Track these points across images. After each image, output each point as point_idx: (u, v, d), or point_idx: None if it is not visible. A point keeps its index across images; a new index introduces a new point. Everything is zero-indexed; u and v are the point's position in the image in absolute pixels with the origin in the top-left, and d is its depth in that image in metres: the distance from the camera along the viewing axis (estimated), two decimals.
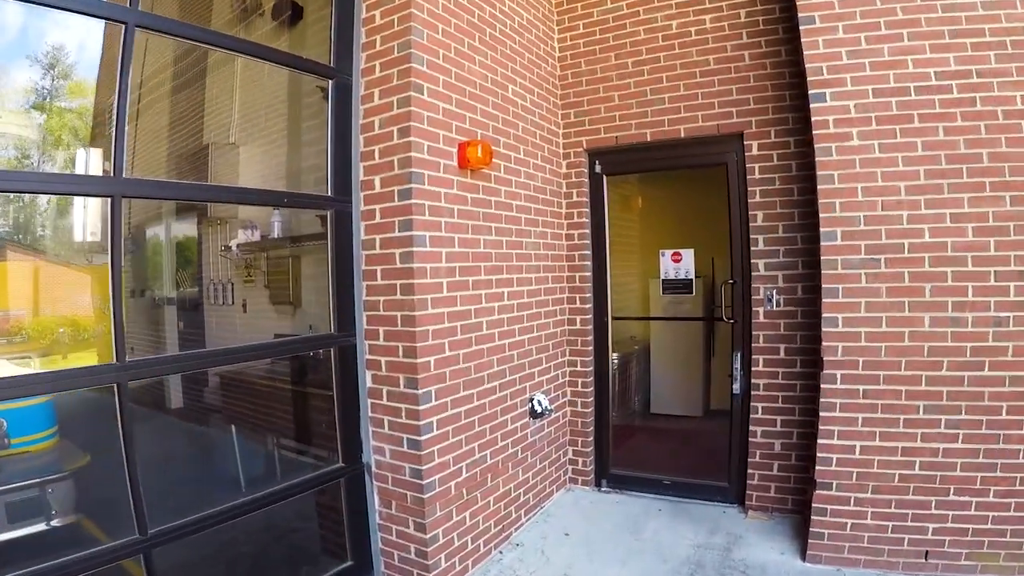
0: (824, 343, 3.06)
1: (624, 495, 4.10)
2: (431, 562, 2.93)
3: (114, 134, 2.25)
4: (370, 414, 3.09)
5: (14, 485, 2.77)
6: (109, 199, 2.25)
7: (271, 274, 4.27)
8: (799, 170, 3.52)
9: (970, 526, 2.87)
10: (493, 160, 3.32)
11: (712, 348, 4.95)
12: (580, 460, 4.22)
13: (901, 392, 2.95)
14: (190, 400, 3.86)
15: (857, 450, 3.03)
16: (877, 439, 3.00)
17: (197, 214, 4.26)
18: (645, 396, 5.54)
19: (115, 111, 2.26)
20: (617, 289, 4.67)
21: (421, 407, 2.89)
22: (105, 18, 2.28)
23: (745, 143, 3.66)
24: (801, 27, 3.08)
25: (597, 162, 4.17)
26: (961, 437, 2.87)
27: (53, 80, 3.50)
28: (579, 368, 4.19)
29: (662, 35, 3.87)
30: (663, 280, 4.13)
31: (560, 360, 4.12)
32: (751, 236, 3.66)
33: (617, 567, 3.17)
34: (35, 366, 3.01)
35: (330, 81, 3.09)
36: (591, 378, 4.20)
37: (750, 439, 3.68)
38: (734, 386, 3.77)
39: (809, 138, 3.19)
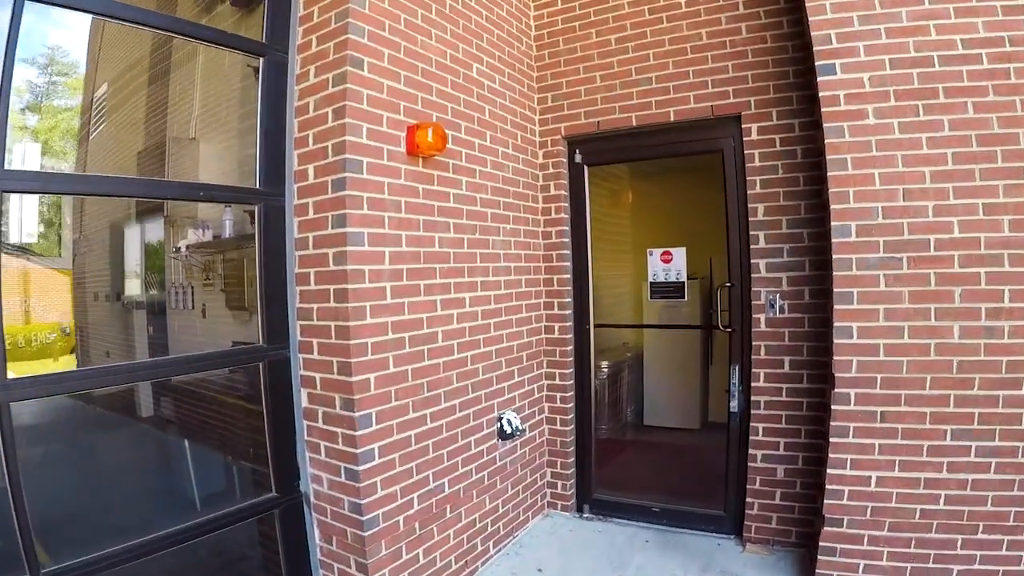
0: (836, 356, 2.62)
1: (608, 523, 3.66)
2: None
3: None
4: (306, 438, 2.69)
5: None
6: None
7: (227, 277, 3.92)
8: (805, 156, 3.07)
9: (1000, 568, 2.49)
10: (450, 146, 2.92)
11: (710, 355, 4.54)
12: (559, 483, 3.78)
13: (925, 414, 2.54)
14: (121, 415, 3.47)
15: (872, 481, 2.62)
16: (896, 469, 2.59)
17: (163, 215, 3.95)
18: (638, 407, 5.16)
19: None
20: (604, 293, 4.28)
21: (358, 432, 2.48)
22: None
23: (743, 126, 3.21)
24: None
25: (577, 151, 3.74)
26: (994, 467, 2.48)
27: None
28: (557, 382, 3.76)
29: (648, 7, 3.43)
30: (651, 283, 3.68)
31: (536, 373, 3.69)
32: (751, 232, 3.21)
33: None
34: None
35: (261, 59, 2.69)
36: (571, 392, 3.76)
37: (749, 463, 3.24)
38: (731, 403, 3.32)
39: (817, 119, 2.77)
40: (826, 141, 2.62)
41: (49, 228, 3.82)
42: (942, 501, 2.53)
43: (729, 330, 3.36)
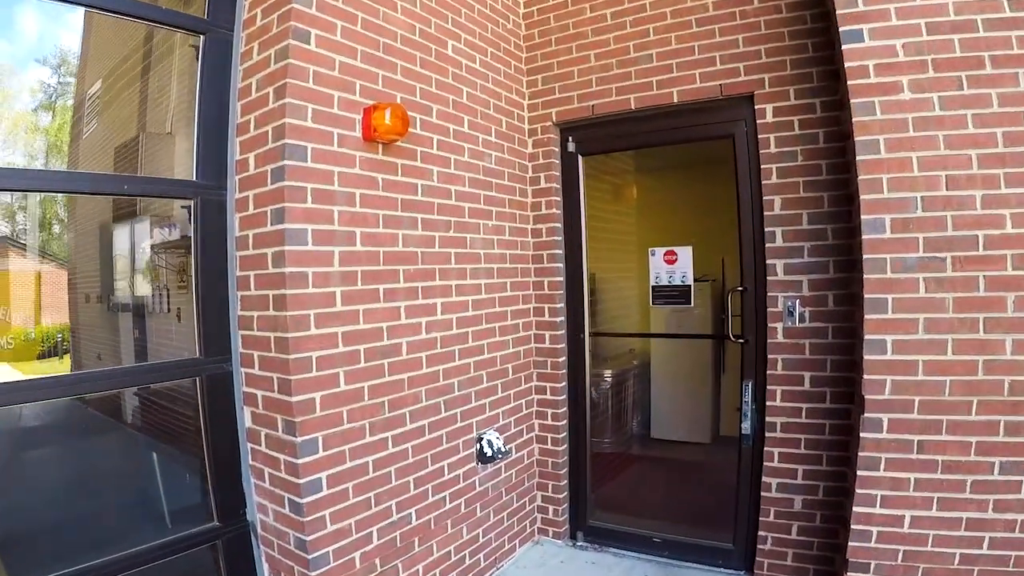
0: (866, 375, 2.21)
1: (603, 553, 3.28)
2: None
3: None
4: (251, 462, 2.37)
5: None
6: None
7: None
8: (829, 140, 2.66)
9: None
10: (418, 132, 2.59)
11: (723, 364, 4.13)
12: (551, 508, 3.41)
13: (970, 445, 2.15)
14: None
15: (906, 522, 2.23)
16: (935, 507, 2.20)
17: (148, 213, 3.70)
18: (645, 418, 4.77)
19: None
20: (606, 297, 3.91)
21: (301, 460, 2.15)
22: None
23: (757, 108, 2.81)
24: None
25: (570, 139, 3.36)
26: None
27: None
28: (549, 396, 3.38)
29: None
30: (653, 287, 3.28)
31: (524, 387, 3.32)
32: (766, 229, 2.81)
33: None
34: None
35: (202, 37, 2.38)
36: (564, 409, 3.39)
37: (763, 493, 2.83)
38: (743, 425, 2.92)
39: (842, 97, 2.38)
40: (854, 120, 2.21)
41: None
42: (986, 544, 2.15)
43: (741, 341, 2.96)
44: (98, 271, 3.31)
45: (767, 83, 2.78)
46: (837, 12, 2.26)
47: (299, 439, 2.14)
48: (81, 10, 2.34)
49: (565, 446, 3.40)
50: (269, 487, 2.30)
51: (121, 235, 2.96)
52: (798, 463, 2.76)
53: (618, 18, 3.12)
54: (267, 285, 2.18)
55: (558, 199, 3.37)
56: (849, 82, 2.24)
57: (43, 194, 2.59)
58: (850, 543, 2.29)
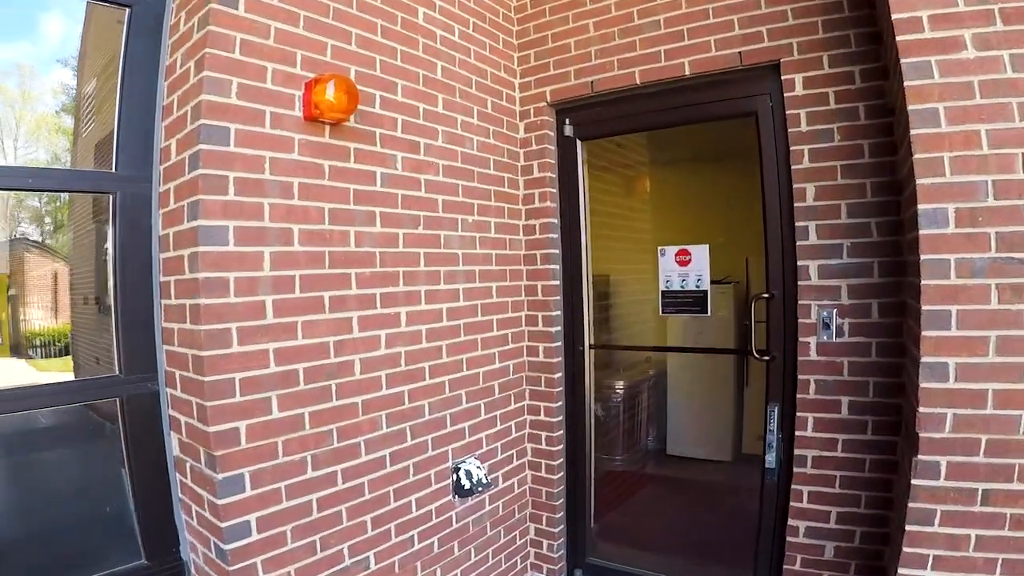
0: (922, 407, 1.75)
1: None
2: None
3: None
4: (179, 495, 2.04)
5: None
6: None
7: None
8: (872, 115, 2.19)
9: None
10: (378, 111, 2.23)
11: (746, 375, 3.69)
12: (545, 543, 3.00)
13: None
14: None
15: None
16: (998, 572, 1.74)
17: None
18: (661, 433, 4.35)
19: None
20: (621, 301, 3.51)
21: (222, 500, 1.80)
22: None
23: (784, 79, 2.35)
24: None
25: (567, 121, 2.94)
26: None
27: None
28: (543, 418, 2.97)
29: None
30: (663, 292, 2.82)
31: (513, 408, 2.92)
32: (796, 224, 2.35)
33: None
34: None
35: (128, 9, 2.05)
36: (560, 432, 2.97)
37: (788, 537, 2.37)
38: (767, 457, 2.45)
39: (887, 61, 1.90)
40: (906, 85, 1.74)
41: None
42: None
43: (766, 358, 2.50)
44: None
45: (795, 49, 2.32)
46: None
47: (219, 476, 1.79)
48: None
49: (562, 474, 2.98)
50: (197, 526, 1.97)
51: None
52: (831, 504, 2.30)
53: None
54: (184, 293, 1.84)
55: (553, 191, 2.95)
56: (898, 38, 1.77)
57: None
58: None
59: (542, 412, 2.96)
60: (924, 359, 1.74)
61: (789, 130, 2.34)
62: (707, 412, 4.10)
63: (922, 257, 1.71)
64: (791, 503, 2.36)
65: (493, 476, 2.72)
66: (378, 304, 2.22)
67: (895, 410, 2.15)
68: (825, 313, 2.30)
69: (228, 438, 1.81)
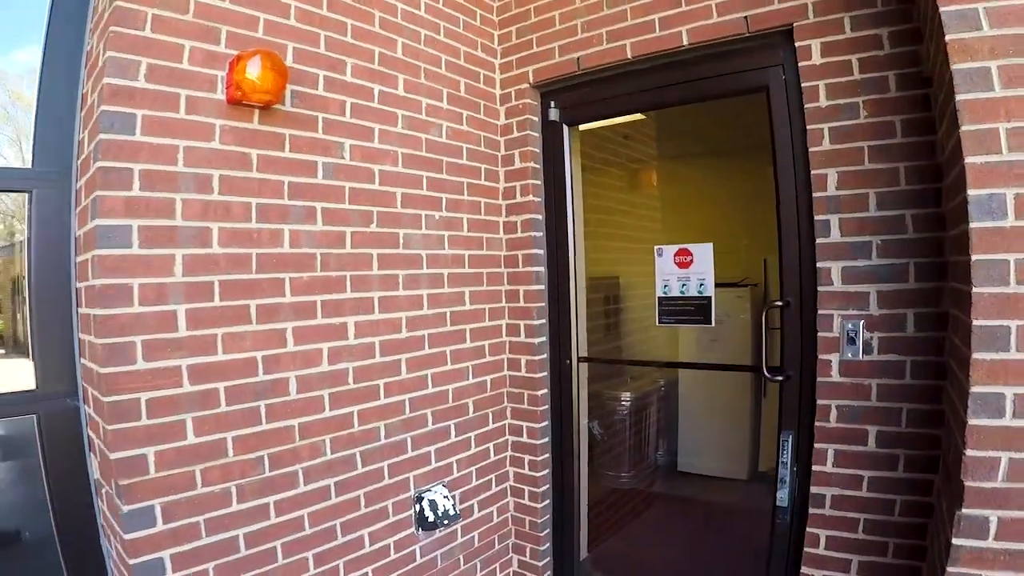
0: (969, 449, 1.37)
1: None
2: None
3: None
4: (100, 522, 1.80)
5: None
6: None
7: None
8: (905, 87, 1.80)
9: None
10: (322, 93, 1.95)
11: (764, 387, 3.37)
12: None
13: None
14: None
15: None
16: None
17: None
18: (672, 447, 4.06)
19: None
20: (630, 305, 3.22)
21: (128, 535, 1.55)
22: None
23: (798, 46, 1.98)
24: None
25: (552, 104, 2.60)
26: None
27: None
28: (526, 439, 2.64)
29: None
30: (659, 298, 2.46)
31: (492, 428, 2.60)
32: (815, 217, 1.97)
33: None
34: None
35: None
36: (546, 455, 2.64)
37: None
38: (779, 494, 2.08)
39: (919, 21, 1.53)
40: (947, 39, 1.37)
41: None
42: None
43: (779, 378, 2.13)
44: None
45: (811, 10, 1.95)
46: None
47: (125, 507, 1.54)
48: None
49: (547, 501, 2.65)
50: (117, 559, 1.72)
51: None
52: (853, 552, 1.92)
53: None
54: (90, 301, 1.59)
55: (537, 183, 2.62)
56: None
57: None
58: None
59: (524, 433, 2.63)
60: (974, 388, 1.36)
61: (806, 106, 1.97)
62: (721, 426, 3.77)
63: (973, 257, 1.33)
64: (805, 548, 1.98)
65: (467, 505, 2.41)
66: (319, 314, 1.93)
67: (933, 443, 1.77)
68: (850, 325, 1.92)
69: (133, 466, 1.55)
